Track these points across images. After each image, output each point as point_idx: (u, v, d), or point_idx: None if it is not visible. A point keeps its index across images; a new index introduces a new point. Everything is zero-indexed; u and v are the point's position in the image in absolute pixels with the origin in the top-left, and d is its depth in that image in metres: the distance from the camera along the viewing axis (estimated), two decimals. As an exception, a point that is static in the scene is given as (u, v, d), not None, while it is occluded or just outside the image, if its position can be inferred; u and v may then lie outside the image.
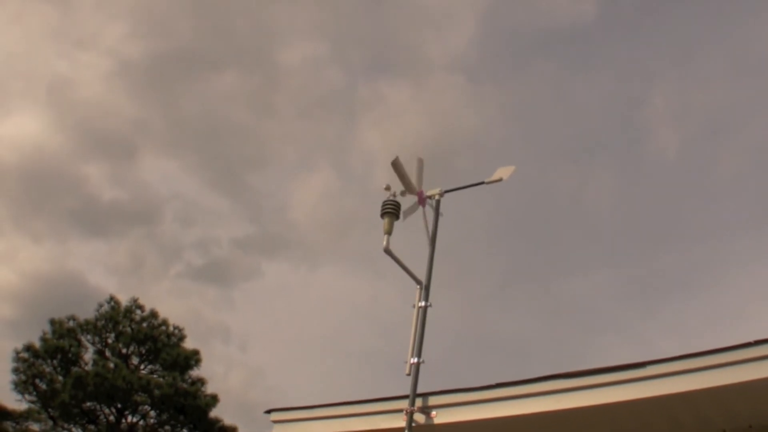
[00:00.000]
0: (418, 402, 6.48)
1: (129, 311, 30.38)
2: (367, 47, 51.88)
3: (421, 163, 7.19)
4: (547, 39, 47.09)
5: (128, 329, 30.03)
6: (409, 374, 6.49)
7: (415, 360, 6.49)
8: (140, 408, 29.42)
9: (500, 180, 7.13)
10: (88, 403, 28.82)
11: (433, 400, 6.55)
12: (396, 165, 6.91)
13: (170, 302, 48.20)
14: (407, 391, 6.51)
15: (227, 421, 30.40)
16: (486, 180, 7.18)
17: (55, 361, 29.21)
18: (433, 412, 6.49)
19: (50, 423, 29.23)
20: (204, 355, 30.63)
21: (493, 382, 6.46)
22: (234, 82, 51.25)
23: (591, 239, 46.68)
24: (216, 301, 49.00)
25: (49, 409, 28.85)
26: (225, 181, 53.36)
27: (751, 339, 5.48)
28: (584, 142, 46.96)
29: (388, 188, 6.85)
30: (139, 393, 28.70)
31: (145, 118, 51.09)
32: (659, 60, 44.74)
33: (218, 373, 49.37)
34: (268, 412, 7.50)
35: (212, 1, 49.35)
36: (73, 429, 29.36)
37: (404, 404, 6.46)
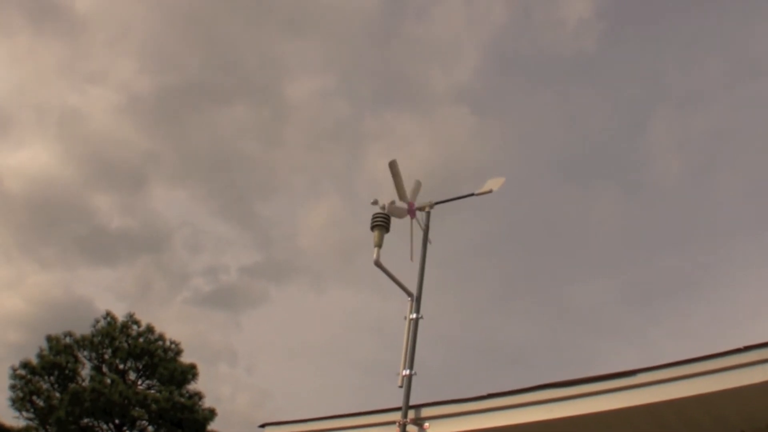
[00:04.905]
0: (411, 414, 6.51)
1: (125, 326, 30.28)
2: (373, 80, 52.42)
3: (418, 185, 7.23)
4: (549, 70, 47.66)
5: (125, 344, 29.91)
6: (401, 386, 6.51)
7: (407, 372, 6.52)
8: (138, 423, 29.29)
9: (490, 191, 7.16)
10: (86, 419, 28.68)
11: (425, 412, 6.58)
12: (393, 167, 6.94)
13: (178, 327, 48.16)
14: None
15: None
16: (476, 191, 7.21)
17: (52, 378, 29.09)
18: (426, 424, 6.52)
19: (48, 439, 29.16)
20: (211, 377, 30.31)
21: (492, 391, 6.49)
22: (243, 115, 51.59)
23: (594, 247, 46.94)
24: (224, 326, 48.97)
25: (47, 426, 28.70)
26: (234, 210, 53.67)
27: (756, 342, 5.52)
28: (589, 162, 47.60)
29: (375, 202, 6.88)
30: (137, 408, 28.58)
31: (155, 149, 51.39)
32: (660, 87, 45.44)
33: (225, 395, 49.23)
34: (263, 426, 7.51)
35: (222, 37, 49.69)
36: (71, 445, 29.26)
37: (397, 416, 6.49)
